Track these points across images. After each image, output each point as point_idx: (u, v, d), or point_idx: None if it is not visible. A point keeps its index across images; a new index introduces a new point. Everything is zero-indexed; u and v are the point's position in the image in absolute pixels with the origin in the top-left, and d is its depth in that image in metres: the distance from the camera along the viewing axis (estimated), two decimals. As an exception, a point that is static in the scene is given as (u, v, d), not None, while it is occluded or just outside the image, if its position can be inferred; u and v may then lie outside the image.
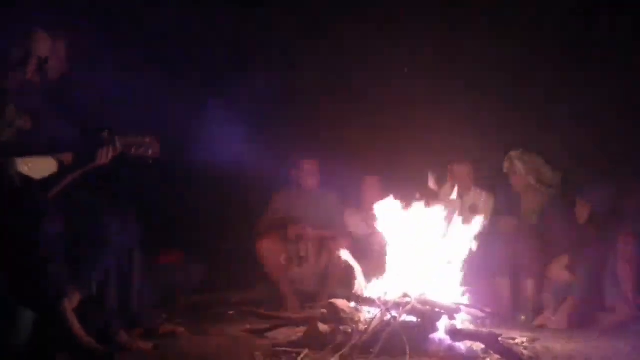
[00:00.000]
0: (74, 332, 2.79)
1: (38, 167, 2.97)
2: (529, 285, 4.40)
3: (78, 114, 3.29)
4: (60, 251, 2.83)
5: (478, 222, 3.71)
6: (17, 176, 2.85)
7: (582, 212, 4.38)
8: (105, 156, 3.04)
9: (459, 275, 3.50)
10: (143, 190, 4.43)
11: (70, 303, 2.90)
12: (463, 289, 3.49)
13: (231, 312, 4.25)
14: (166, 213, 5.00)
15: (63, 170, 2.99)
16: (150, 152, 3.13)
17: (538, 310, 4.27)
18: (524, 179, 4.68)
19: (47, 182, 2.95)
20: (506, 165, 4.75)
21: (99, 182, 3.20)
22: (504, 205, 4.85)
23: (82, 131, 3.16)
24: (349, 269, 4.52)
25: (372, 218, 4.67)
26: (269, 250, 4.83)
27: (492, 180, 5.03)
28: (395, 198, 3.72)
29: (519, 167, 4.67)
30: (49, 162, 3.01)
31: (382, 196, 4.25)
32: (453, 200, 4.69)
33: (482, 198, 4.97)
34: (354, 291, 3.55)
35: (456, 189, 4.63)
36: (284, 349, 3.14)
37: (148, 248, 3.55)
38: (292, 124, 5.56)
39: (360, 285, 3.58)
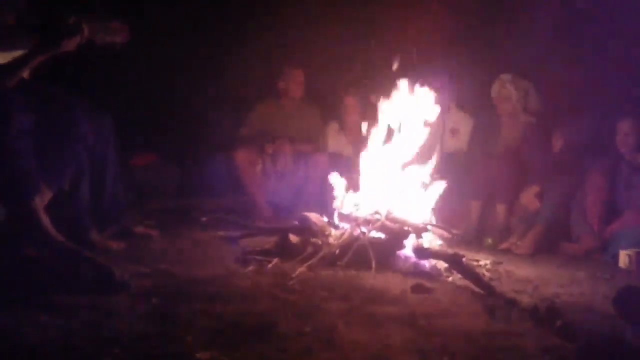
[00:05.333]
0: (45, 228, 2.79)
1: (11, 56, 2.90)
2: (500, 210, 4.47)
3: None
4: (30, 146, 2.79)
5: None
6: None
7: (557, 142, 4.42)
8: (71, 43, 2.93)
9: (431, 196, 3.54)
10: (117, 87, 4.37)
11: (42, 200, 2.89)
12: (432, 208, 3.54)
13: (204, 218, 4.28)
14: (141, 114, 4.95)
15: (28, 53, 2.89)
16: (118, 38, 3.04)
17: (505, 236, 4.37)
18: (512, 104, 4.64)
19: (9, 66, 2.85)
20: (496, 88, 4.68)
21: (70, 75, 3.11)
22: (485, 130, 4.84)
23: (48, 16, 3.04)
24: (325, 184, 4.57)
25: (358, 140, 4.67)
26: (246, 161, 4.83)
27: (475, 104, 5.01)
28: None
29: (510, 91, 4.61)
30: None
31: (362, 116, 4.22)
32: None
33: (464, 120, 4.96)
34: (334, 207, 3.59)
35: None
36: (254, 256, 3.20)
37: (122, 149, 3.54)
38: (275, 33, 5.44)
39: (340, 201, 3.62)
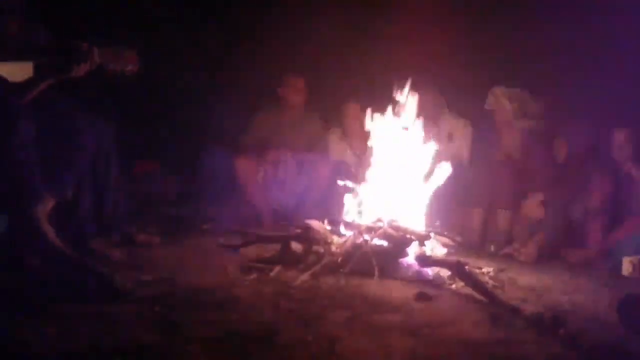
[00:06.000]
0: (47, 237, 2.79)
1: (15, 70, 2.92)
2: (502, 217, 4.47)
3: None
4: (33, 154, 2.80)
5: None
6: None
7: (561, 150, 4.42)
8: (81, 69, 2.96)
9: (432, 203, 3.54)
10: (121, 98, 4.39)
11: (44, 208, 2.89)
12: (435, 216, 3.54)
13: (206, 226, 4.28)
14: (144, 123, 4.97)
15: (38, 76, 2.92)
16: (128, 67, 3.07)
17: (508, 243, 4.35)
18: (508, 115, 4.64)
19: (20, 86, 2.89)
20: (490, 101, 4.70)
21: (75, 88, 3.14)
22: (486, 138, 4.85)
23: (60, 41, 3.07)
24: (327, 192, 4.58)
25: (359, 147, 4.69)
26: (247, 169, 4.84)
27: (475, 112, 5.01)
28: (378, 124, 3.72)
29: (504, 103, 4.62)
30: (26, 67, 2.95)
31: (364, 123, 4.22)
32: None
33: (459, 125, 4.95)
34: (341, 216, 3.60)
35: None
36: (256, 264, 3.19)
37: (124, 157, 3.54)
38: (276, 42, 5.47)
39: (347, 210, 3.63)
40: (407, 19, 5.13)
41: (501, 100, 4.60)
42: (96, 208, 3.30)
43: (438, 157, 3.65)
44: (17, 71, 2.94)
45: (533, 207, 4.32)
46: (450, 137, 4.89)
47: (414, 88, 3.68)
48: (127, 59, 3.07)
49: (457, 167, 4.58)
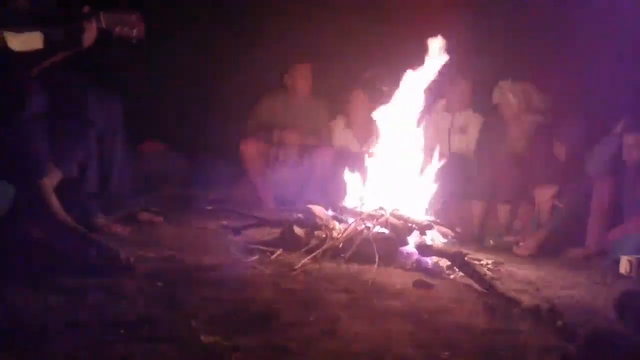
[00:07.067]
0: (52, 210, 2.82)
1: (25, 41, 2.92)
2: (503, 210, 4.49)
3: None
4: (42, 129, 2.82)
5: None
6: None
7: (560, 151, 4.42)
8: (90, 37, 2.95)
9: (435, 193, 3.56)
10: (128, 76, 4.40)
11: (51, 181, 2.92)
12: (437, 206, 3.56)
13: (209, 207, 4.31)
14: (151, 103, 4.98)
15: (49, 48, 2.93)
16: (134, 31, 3.05)
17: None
18: (514, 109, 4.66)
19: (30, 58, 2.89)
20: (496, 95, 4.72)
21: (84, 63, 3.14)
22: (492, 131, 4.86)
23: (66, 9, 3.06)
24: (328, 177, 4.60)
25: (365, 135, 4.70)
26: (251, 151, 4.87)
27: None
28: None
29: (509, 98, 4.64)
30: (36, 37, 2.95)
31: (370, 111, 4.26)
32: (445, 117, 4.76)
33: (474, 119, 4.96)
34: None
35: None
36: (258, 247, 3.22)
37: (131, 136, 3.56)
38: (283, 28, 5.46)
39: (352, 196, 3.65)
40: (414, 7, 5.12)
41: (506, 94, 4.62)
42: (102, 184, 3.32)
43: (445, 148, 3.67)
44: (27, 42, 2.94)
45: (545, 199, 4.32)
46: (463, 130, 4.90)
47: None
48: (133, 23, 3.05)
49: (462, 159, 4.63)
